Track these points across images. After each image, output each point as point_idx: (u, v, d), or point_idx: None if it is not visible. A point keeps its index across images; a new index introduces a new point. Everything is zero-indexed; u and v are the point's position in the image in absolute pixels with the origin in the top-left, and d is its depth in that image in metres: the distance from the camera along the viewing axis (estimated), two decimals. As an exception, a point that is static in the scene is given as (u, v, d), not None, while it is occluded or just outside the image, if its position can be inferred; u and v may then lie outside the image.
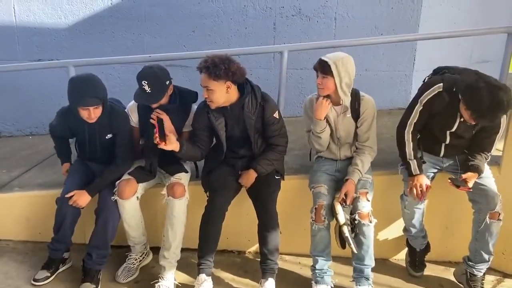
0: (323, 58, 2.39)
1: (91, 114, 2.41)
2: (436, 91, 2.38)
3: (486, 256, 2.47)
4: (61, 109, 2.61)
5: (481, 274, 2.52)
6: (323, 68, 2.38)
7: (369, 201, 2.43)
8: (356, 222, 2.38)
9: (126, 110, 2.67)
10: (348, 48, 4.08)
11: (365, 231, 2.37)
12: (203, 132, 2.55)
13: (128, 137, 2.61)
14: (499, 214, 2.38)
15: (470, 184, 2.38)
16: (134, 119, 2.64)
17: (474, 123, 2.25)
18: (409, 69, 4.37)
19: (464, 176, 2.38)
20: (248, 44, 4.19)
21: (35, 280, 2.54)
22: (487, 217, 2.38)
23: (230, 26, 4.31)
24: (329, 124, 2.55)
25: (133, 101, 2.63)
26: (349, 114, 2.50)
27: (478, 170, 2.40)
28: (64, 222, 2.50)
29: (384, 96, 4.24)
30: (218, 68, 2.33)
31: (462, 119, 2.35)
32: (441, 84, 2.37)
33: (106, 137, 2.57)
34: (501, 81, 2.49)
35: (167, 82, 2.49)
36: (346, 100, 2.45)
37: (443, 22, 4.32)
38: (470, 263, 2.52)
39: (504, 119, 2.38)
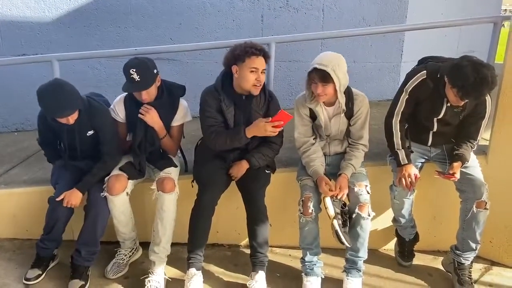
0: (318, 67, 2.25)
1: (69, 120, 2.38)
2: (420, 79, 2.40)
3: (473, 245, 2.50)
4: (39, 113, 2.52)
5: (469, 262, 2.55)
6: (324, 78, 2.27)
7: (369, 193, 2.42)
8: (354, 214, 2.37)
9: (112, 105, 2.63)
10: (336, 40, 4.12)
11: (363, 224, 2.36)
12: (217, 115, 2.50)
13: (112, 133, 2.56)
14: (486, 203, 2.40)
15: (457, 175, 2.41)
16: (121, 114, 2.60)
17: (461, 101, 2.26)
18: (397, 60, 4.39)
19: (451, 171, 2.40)
20: (236, 37, 4.16)
21: (26, 279, 2.50)
22: (474, 206, 2.41)
23: (218, 19, 4.28)
24: (321, 123, 2.52)
25: (120, 96, 2.60)
26: (342, 114, 2.47)
27: (462, 159, 2.43)
28: (57, 223, 2.47)
29: (372, 88, 4.26)
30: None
31: (449, 104, 2.37)
32: (425, 71, 2.40)
33: (87, 134, 2.52)
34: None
35: (155, 71, 2.47)
36: (343, 101, 2.39)
37: (430, 13, 4.34)
38: (458, 252, 2.55)
39: (489, 103, 2.40)
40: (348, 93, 2.44)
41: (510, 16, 2.65)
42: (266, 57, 2.41)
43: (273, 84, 2.94)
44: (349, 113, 2.47)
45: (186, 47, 3.73)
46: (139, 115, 2.46)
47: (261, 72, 2.39)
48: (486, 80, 2.11)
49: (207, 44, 3.80)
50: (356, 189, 2.41)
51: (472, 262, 2.57)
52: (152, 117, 2.46)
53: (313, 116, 2.52)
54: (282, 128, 2.51)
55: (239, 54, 2.37)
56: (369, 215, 2.36)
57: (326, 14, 4.24)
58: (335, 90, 2.31)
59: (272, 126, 2.40)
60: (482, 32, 3.72)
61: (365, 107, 2.47)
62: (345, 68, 2.34)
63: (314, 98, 2.42)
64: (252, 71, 2.37)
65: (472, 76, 2.10)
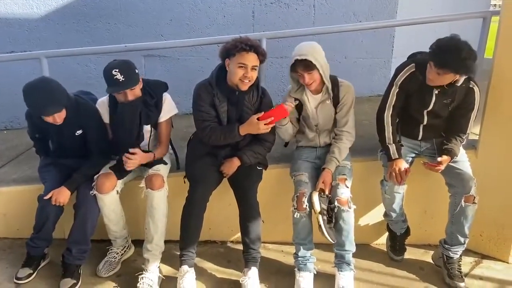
0: (300, 58, 2.34)
1: (56, 119, 2.35)
2: (410, 71, 2.44)
3: (461, 239, 2.52)
4: (26, 112, 2.49)
5: (457, 256, 2.57)
6: (308, 67, 2.36)
7: (348, 187, 2.45)
8: (335, 209, 2.39)
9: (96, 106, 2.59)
10: (327, 36, 4.12)
11: (344, 217, 2.38)
12: (210, 109, 2.49)
13: (100, 131, 2.54)
14: (474, 197, 2.42)
15: (442, 167, 2.43)
16: (104, 116, 2.56)
17: (439, 77, 2.25)
18: (388, 55, 4.41)
19: (439, 159, 2.42)
20: (227, 33, 4.14)
21: (17, 278, 2.48)
22: (463, 200, 2.43)
23: (209, 15, 4.26)
24: (308, 113, 2.56)
25: (102, 98, 2.58)
26: (329, 101, 2.53)
27: (451, 154, 2.45)
28: (47, 222, 2.44)
29: (363, 83, 4.27)
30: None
31: (437, 92, 2.38)
32: (414, 64, 2.44)
33: (76, 134, 2.50)
34: (477, 66, 2.51)
35: (137, 71, 2.45)
36: (330, 85, 2.48)
37: (421, 8, 4.36)
38: (446, 245, 2.58)
39: (478, 95, 2.42)
40: (333, 80, 2.53)
41: (499, 11, 2.66)
42: (259, 53, 2.39)
43: (264, 80, 2.93)
44: (335, 100, 2.54)
45: (177, 43, 3.71)
46: (125, 166, 2.43)
47: (251, 69, 2.38)
48: (460, 47, 2.14)
49: (198, 40, 3.78)
50: (334, 183, 2.45)
51: (461, 256, 2.60)
52: (136, 162, 2.45)
53: (299, 109, 2.60)
54: (275, 124, 2.52)
55: (229, 48, 2.39)
56: (349, 208, 2.38)
57: (317, 10, 4.24)
58: (320, 75, 2.41)
59: (265, 124, 2.40)
60: (472, 27, 3.74)
61: (350, 94, 2.55)
62: (323, 53, 2.43)
63: (299, 88, 2.53)
64: (240, 66, 2.36)
65: (447, 43, 2.16)
